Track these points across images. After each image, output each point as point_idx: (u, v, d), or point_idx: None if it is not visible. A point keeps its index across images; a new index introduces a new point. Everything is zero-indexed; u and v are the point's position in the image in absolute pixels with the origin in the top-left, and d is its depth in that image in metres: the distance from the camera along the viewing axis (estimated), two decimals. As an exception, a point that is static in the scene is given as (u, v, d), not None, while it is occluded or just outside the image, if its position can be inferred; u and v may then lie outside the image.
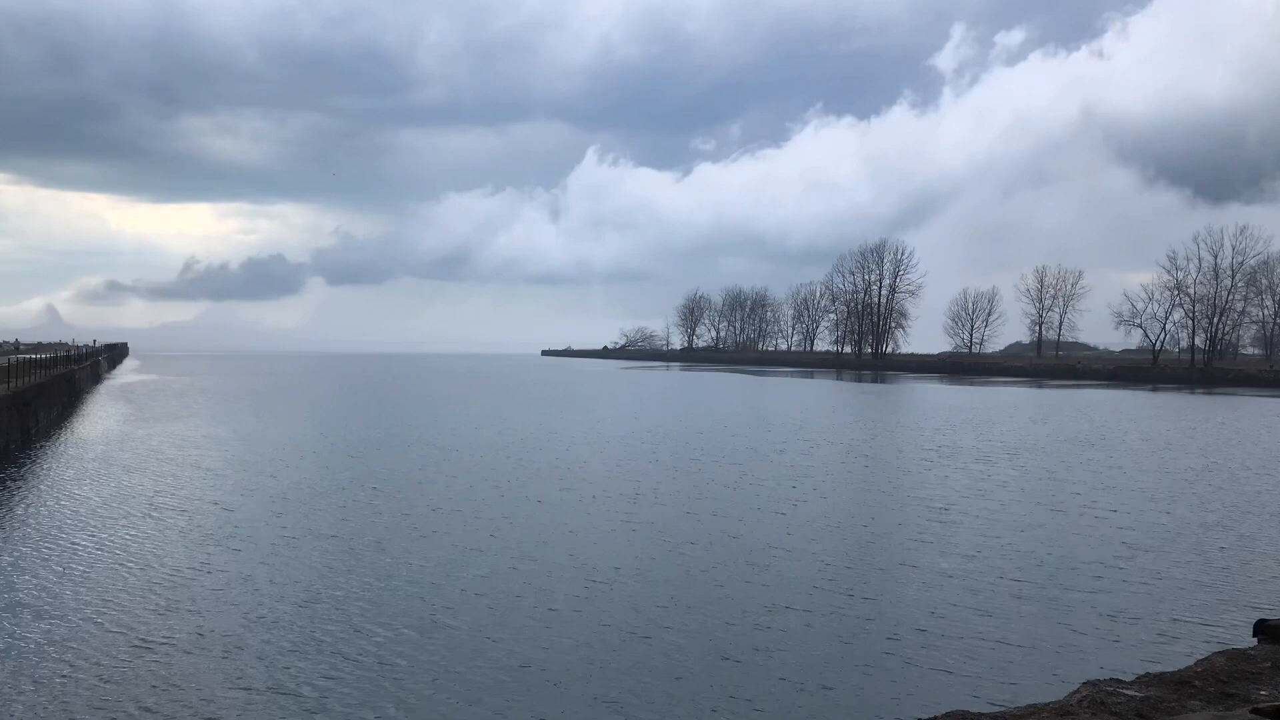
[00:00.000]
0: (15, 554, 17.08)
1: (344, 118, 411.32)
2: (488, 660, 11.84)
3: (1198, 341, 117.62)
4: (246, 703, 10.43)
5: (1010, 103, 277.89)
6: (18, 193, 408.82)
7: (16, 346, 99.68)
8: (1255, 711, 5.05)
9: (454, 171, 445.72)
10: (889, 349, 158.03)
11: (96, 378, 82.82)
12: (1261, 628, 7.37)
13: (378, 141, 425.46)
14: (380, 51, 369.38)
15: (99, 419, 46.27)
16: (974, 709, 5.66)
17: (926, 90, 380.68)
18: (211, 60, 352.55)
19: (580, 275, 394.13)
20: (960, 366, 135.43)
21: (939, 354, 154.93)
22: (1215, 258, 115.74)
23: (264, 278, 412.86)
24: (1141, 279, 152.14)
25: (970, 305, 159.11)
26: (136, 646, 12.11)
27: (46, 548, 17.60)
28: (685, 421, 47.86)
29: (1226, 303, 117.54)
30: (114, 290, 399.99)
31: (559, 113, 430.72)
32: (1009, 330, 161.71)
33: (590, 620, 13.52)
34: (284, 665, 11.56)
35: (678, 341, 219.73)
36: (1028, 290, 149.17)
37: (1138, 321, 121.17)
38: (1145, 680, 5.95)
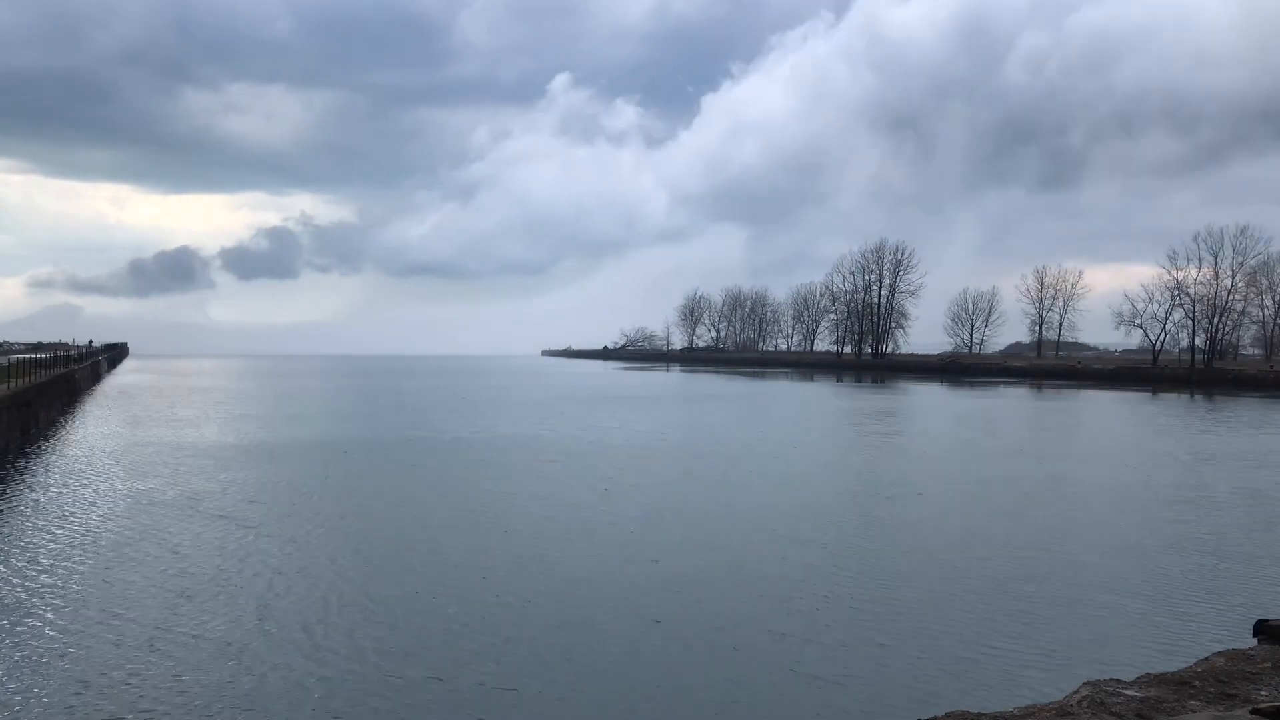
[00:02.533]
0: (13, 552, 17.08)
1: (373, 95, 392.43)
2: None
3: (1198, 342, 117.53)
4: (246, 702, 10.44)
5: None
6: (22, 182, 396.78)
7: None
8: (1255, 712, 5.05)
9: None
10: (889, 349, 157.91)
11: (97, 377, 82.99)
12: (1261, 628, 7.35)
13: (404, 123, 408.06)
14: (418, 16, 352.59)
15: (99, 418, 46.26)
16: (974, 709, 5.65)
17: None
18: (235, 30, 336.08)
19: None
20: (960, 367, 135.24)
21: (939, 355, 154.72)
22: (1215, 258, 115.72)
23: (181, 270, 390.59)
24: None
25: (970, 305, 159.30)
26: (136, 645, 12.11)
27: (44, 545, 17.61)
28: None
29: (1227, 303, 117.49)
30: (36, 286, 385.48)
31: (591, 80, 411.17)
32: (1009, 330, 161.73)
33: (603, 620, 13.53)
34: (285, 665, 11.57)
35: (678, 341, 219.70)
36: (1027, 290, 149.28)
37: (1138, 322, 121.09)
38: (1145, 680, 5.94)
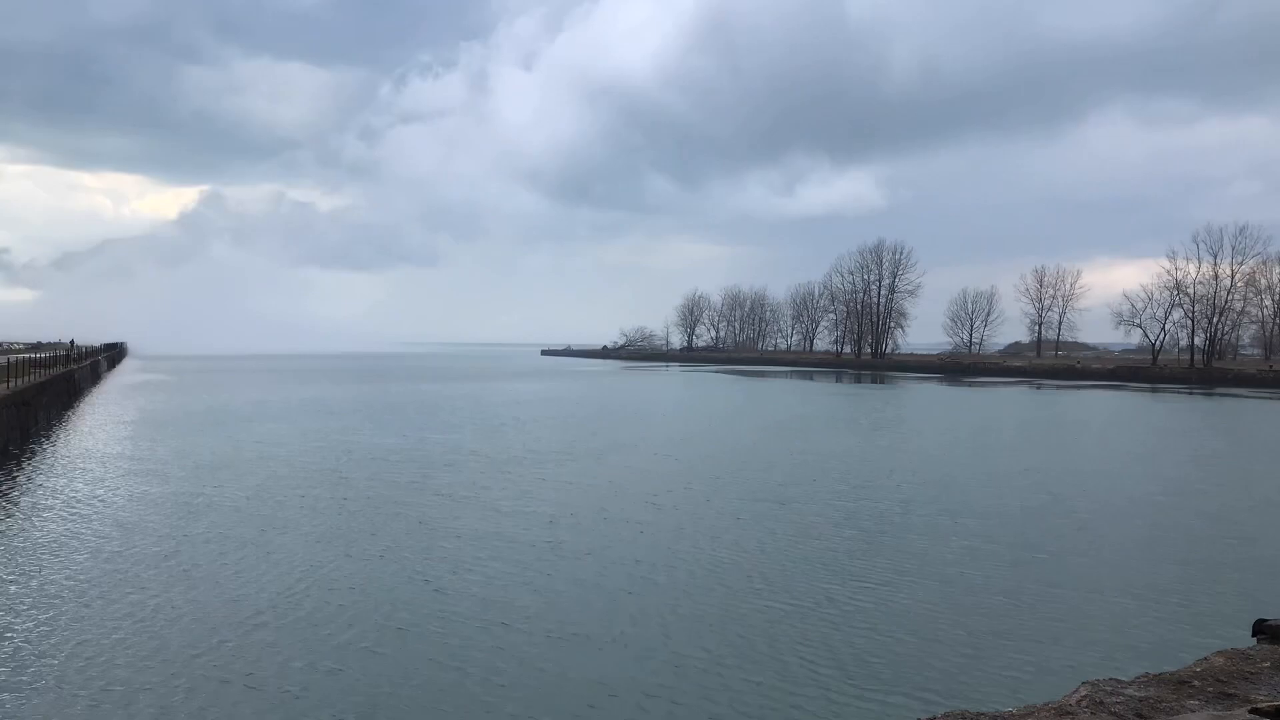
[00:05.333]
0: (13, 552, 17.09)
1: (397, 76, 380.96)
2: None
3: (1197, 341, 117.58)
4: (245, 703, 10.45)
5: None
6: (29, 173, 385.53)
7: None
8: (1254, 711, 5.06)
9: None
10: (889, 349, 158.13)
11: (96, 377, 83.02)
12: (1260, 627, 7.35)
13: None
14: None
15: (98, 418, 46.22)
16: (974, 709, 5.66)
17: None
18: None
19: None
20: (960, 367, 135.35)
21: (939, 354, 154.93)
22: (1215, 257, 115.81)
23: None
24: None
25: (970, 305, 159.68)
26: (132, 644, 12.12)
27: (42, 544, 17.61)
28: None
29: (1226, 303, 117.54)
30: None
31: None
32: (1009, 329, 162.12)
33: (607, 624, 13.55)
34: (282, 665, 11.58)
35: (677, 341, 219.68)
36: (1026, 290, 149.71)
37: (1137, 321, 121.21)
38: (1144, 680, 5.94)
